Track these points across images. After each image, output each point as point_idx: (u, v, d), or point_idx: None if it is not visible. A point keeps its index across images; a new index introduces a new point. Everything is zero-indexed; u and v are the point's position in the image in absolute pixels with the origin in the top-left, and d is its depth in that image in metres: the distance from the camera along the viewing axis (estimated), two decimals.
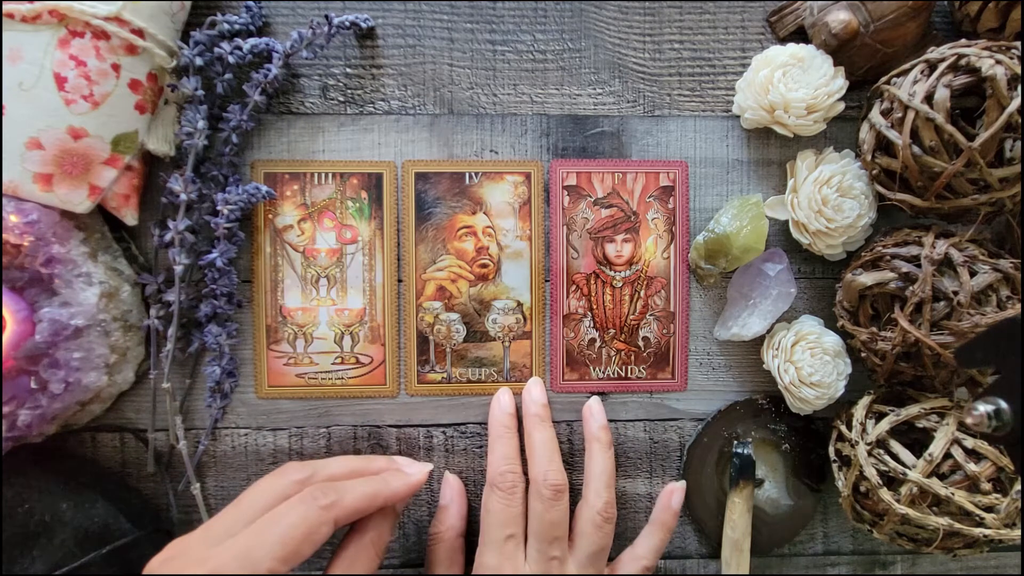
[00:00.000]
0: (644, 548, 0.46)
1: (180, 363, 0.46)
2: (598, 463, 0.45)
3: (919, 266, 0.41)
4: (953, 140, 0.39)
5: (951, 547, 0.42)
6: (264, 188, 0.44)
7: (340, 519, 0.37)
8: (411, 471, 0.43)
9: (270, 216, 0.46)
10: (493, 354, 0.48)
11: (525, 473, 0.45)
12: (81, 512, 0.41)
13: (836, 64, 0.44)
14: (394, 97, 0.47)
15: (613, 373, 0.48)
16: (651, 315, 0.48)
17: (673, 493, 0.47)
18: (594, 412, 0.46)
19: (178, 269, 0.43)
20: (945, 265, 0.41)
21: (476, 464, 0.48)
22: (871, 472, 0.42)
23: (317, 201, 0.46)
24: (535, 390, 0.46)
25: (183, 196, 0.43)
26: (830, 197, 0.43)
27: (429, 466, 0.44)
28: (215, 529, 0.36)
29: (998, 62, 0.39)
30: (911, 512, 0.40)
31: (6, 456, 0.41)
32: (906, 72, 0.42)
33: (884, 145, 0.43)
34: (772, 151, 0.48)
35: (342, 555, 0.39)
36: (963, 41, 0.41)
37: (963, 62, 0.40)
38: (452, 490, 0.47)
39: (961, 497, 0.40)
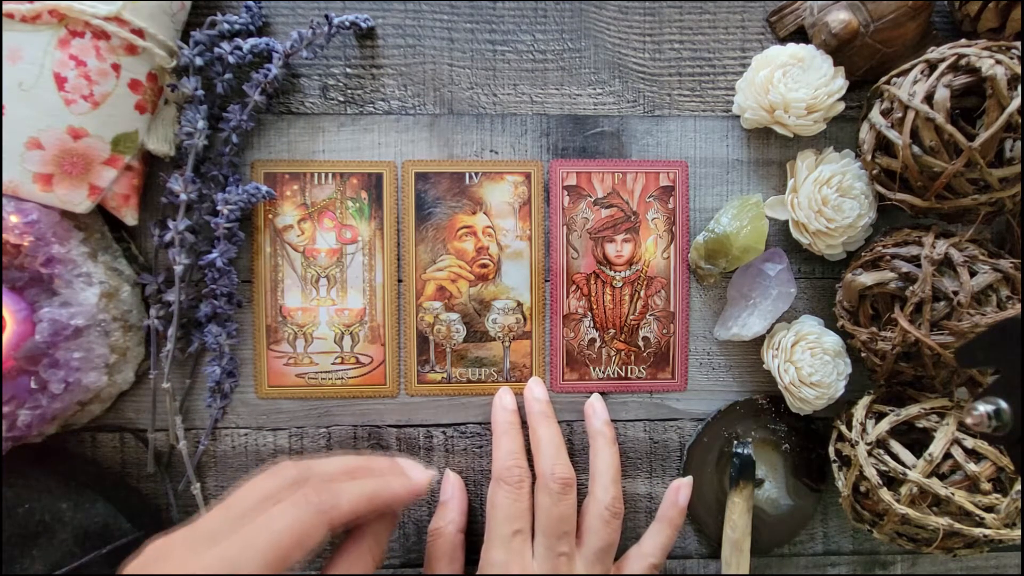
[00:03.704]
0: (651, 546, 0.46)
1: (180, 363, 0.46)
2: (604, 458, 0.45)
3: (919, 266, 0.41)
4: (953, 140, 0.39)
5: (951, 547, 0.42)
6: (264, 188, 0.44)
7: (336, 523, 0.35)
8: (414, 475, 0.41)
9: (270, 216, 0.46)
10: (493, 354, 0.48)
11: (530, 470, 0.45)
12: (81, 512, 0.41)
13: (836, 64, 0.44)
14: (394, 97, 0.47)
15: (613, 373, 0.48)
16: (651, 315, 0.48)
17: (680, 489, 0.47)
18: (596, 409, 0.46)
19: (178, 269, 0.43)
20: (945, 265, 0.41)
21: (476, 464, 0.48)
22: (871, 472, 0.42)
23: (317, 201, 0.46)
24: (536, 389, 0.47)
25: (183, 196, 0.43)
26: (830, 197, 0.43)
27: (434, 474, 0.42)
28: (200, 531, 0.33)
29: (998, 62, 0.39)
30: (911, 512, 0.40)
31: (6, 456, 0.41)
32: (906, 72, 0.42)
33: (884, 145, 0.43)
34: (772, 151, 0.48)
35: (337, 562, 0.37)
36: (963, 41, 0.41)
37: (963, 62, 0.40)
38: (452, 486, 0.46)
39: (961, 497, 0.40)
